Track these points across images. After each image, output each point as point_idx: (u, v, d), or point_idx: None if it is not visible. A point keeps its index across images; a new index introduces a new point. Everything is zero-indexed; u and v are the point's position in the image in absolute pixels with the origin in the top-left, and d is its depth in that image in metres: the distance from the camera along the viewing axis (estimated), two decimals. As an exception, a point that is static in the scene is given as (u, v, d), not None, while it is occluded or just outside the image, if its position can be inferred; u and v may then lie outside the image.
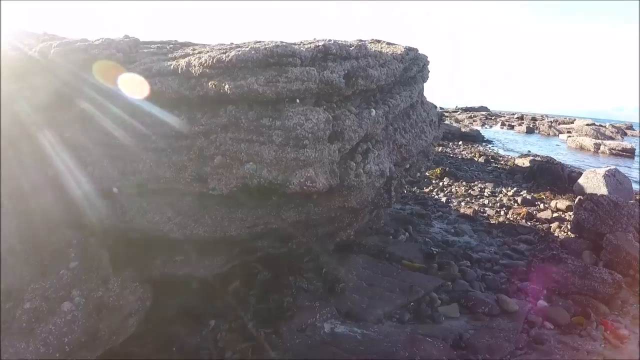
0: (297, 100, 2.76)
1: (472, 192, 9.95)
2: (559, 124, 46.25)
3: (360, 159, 3.26)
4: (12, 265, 3.67)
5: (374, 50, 3.83)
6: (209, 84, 2.83)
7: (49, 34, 6.24)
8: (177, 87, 3.10)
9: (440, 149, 19.12)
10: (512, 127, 41.51)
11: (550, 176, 12.52)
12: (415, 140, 5.28)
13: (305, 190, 2.65)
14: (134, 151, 3.49)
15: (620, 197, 11.35)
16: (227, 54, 2.70)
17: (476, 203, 9.13)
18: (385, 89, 4.57)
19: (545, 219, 8.62)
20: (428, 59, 7.12)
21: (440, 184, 10.67)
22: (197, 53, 3.36)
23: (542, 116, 70.40)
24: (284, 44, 2.68)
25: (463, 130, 25.80)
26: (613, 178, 11.53)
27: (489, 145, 24.00)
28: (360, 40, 7.34)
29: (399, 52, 5.78)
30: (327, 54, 2.97)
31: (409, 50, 6.14)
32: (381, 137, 3.78)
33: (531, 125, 39.14)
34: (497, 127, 42.72)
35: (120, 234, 3.91)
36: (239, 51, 2.67)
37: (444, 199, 9.16)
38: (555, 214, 9.07)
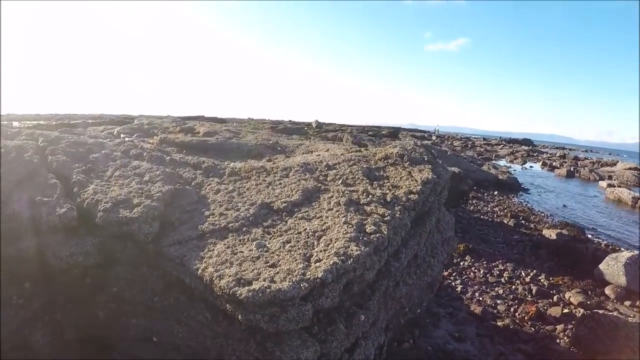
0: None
1: (489, 278, 10.05)
2: (601, 165, 44.40)
3: (346, 357, 3.68)
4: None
5: (371, 245, 4.11)
6: (227, 305, 3.37)
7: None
8: (202, 290, 3.64)
9: (474, 202, 19.00)
10: (552, 168, 40.24)
11: (574, 256, 12.36)
12: (420, 280, 5.54)
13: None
14: (170, 319, 4.10)
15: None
16: (240, 291, 3.22)
17: (490, 293, 9.25)
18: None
19: (554, 317, 8.65)
20: (448, 181, 7.30)
21: (462, 264, 10.79)
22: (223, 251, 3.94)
23: (585, 152, 67.53)
24: (283, 290, 3.18)
25: (500, 177, 25.43)
26: (634, 266, 11.28)
27: (524, 196, 23.54)
28: (379, 173, 7.65)
29: (413, 190, 6.00)
30: (324, 285, 3.42)
31: (426, 183, 6.31)
32: (373, 315, 4.17)
33: (572, 169, 37.67)
34: (538, 167, 41.47)
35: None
36: (249, 292, 3.19)
37: (459, 288, 9.32)
38: (565, 309, 9.09)
